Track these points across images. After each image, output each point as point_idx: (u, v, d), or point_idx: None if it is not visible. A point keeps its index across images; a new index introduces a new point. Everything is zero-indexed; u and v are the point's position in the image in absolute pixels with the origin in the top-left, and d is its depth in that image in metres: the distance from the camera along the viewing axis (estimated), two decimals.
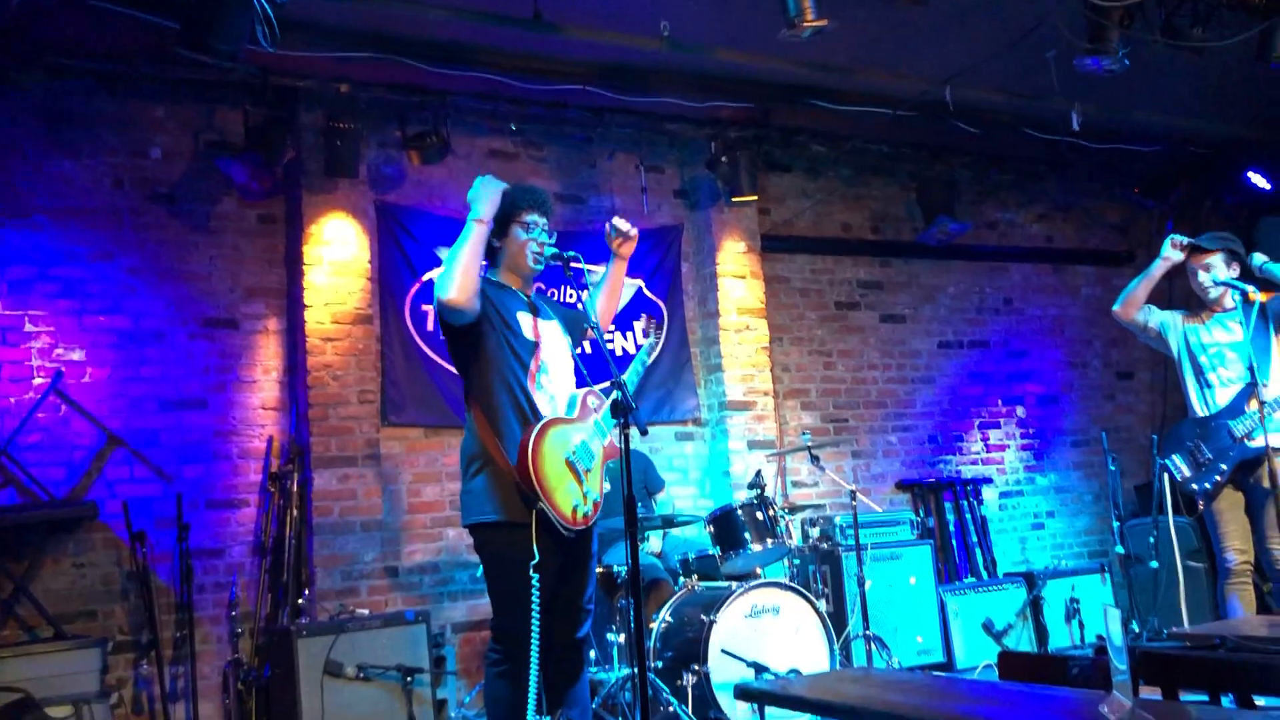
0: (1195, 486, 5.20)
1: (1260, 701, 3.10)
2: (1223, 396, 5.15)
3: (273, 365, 6.14)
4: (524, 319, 3.92)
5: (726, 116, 6.94)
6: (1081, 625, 7.01)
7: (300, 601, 5.74)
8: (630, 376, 4.41)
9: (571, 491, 3.78)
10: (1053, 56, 5.99)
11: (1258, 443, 4.92)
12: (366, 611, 5.60)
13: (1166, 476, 5.40)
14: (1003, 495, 8.23)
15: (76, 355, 5.68)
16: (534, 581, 3.60)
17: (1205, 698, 3.16)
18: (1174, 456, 5.32)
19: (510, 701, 3.66)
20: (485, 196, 3.84)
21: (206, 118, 6.07)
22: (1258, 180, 7.98)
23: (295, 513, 5.89)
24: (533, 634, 3.62)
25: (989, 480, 8.11)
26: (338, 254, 6.10)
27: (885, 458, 7.87)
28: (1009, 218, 8.67)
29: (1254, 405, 4.93)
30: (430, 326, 6.45)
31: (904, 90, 6.77)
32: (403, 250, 6.42)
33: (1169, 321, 5.40)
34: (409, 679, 5.30)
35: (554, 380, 3.96)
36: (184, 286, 5.96)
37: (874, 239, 8.10)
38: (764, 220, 7.57)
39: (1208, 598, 7.22)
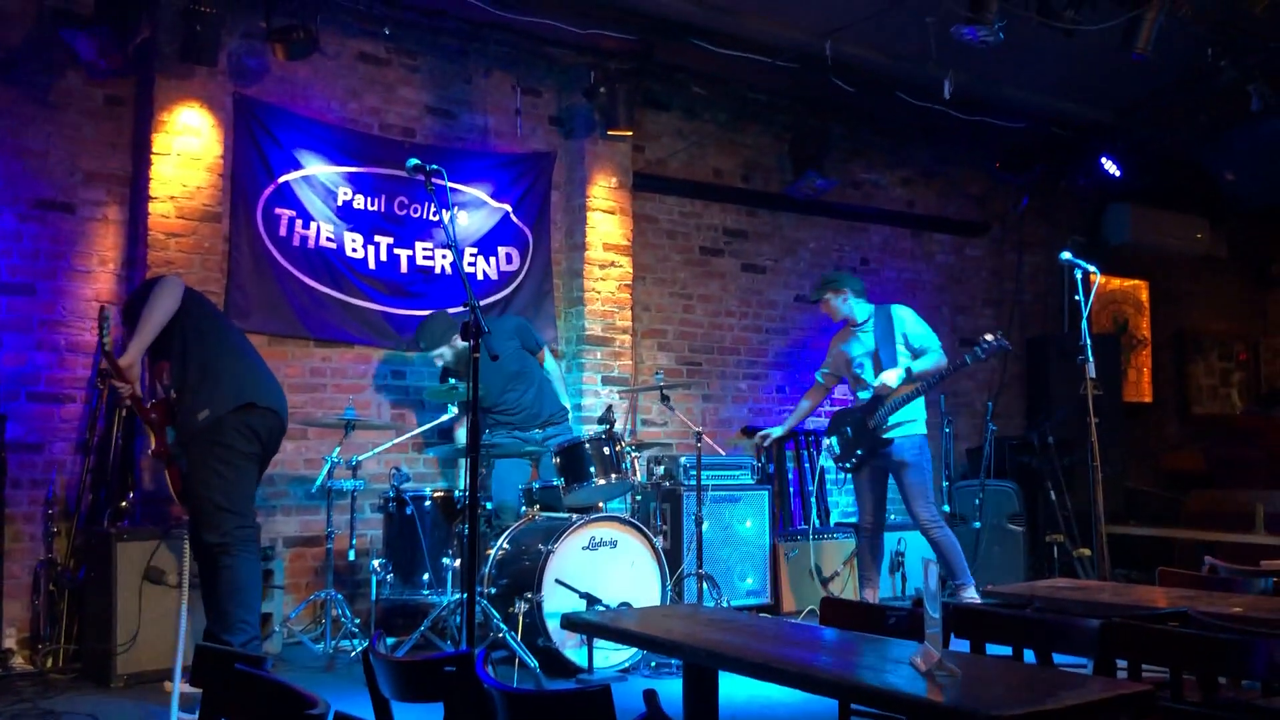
0: (841, 464, 6.37)
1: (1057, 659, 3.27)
2: (865, 394, 6.26)
3: (110, 256, 5.81)
4: None
5: (608, 47, 6.82)
6: (904, 577, 7.32)
7: (123, 505, 5.50)
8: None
9: None
10: (933, 22, 6.07)
11: (885, 434, 6.11)
12: None
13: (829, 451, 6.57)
14: None
15: None
16: None
17: (1010, 652, 3.32)
18: (832, 439, 6.45)
19: None
20: None
21: None
22: (1109, 166, 8.30)
23: (124, 412, 5.62)
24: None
25: None
26: (189, 145, 5.79)
27: (734, 403, 7.99)
28: (874, 179, 8.83)
29: (886, 401, 6.10)
30: (283, 232, 6.21)
31: (786, 40, 6.78)
32: (260, 149, 6.14)
33: (829, 363, 6.60)
34: None
35: None
36: (16, 163, 5.57)
37: (744, 187, 8.13)
38: (637, 157, 7.51)
39: (1024, 559, 7.63)
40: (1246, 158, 7.32)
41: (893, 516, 7.86)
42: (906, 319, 6.27)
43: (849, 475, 6.45)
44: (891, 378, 6.04)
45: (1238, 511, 7.90)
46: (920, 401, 6.18)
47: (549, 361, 6.41)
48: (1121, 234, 9.48)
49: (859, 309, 6.36)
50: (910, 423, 6.16)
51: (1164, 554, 7.54)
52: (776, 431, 6.72)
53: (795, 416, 6.77)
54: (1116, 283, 10.11)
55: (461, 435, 5.86)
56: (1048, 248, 9.28)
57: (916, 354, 6.14)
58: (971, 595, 6.06)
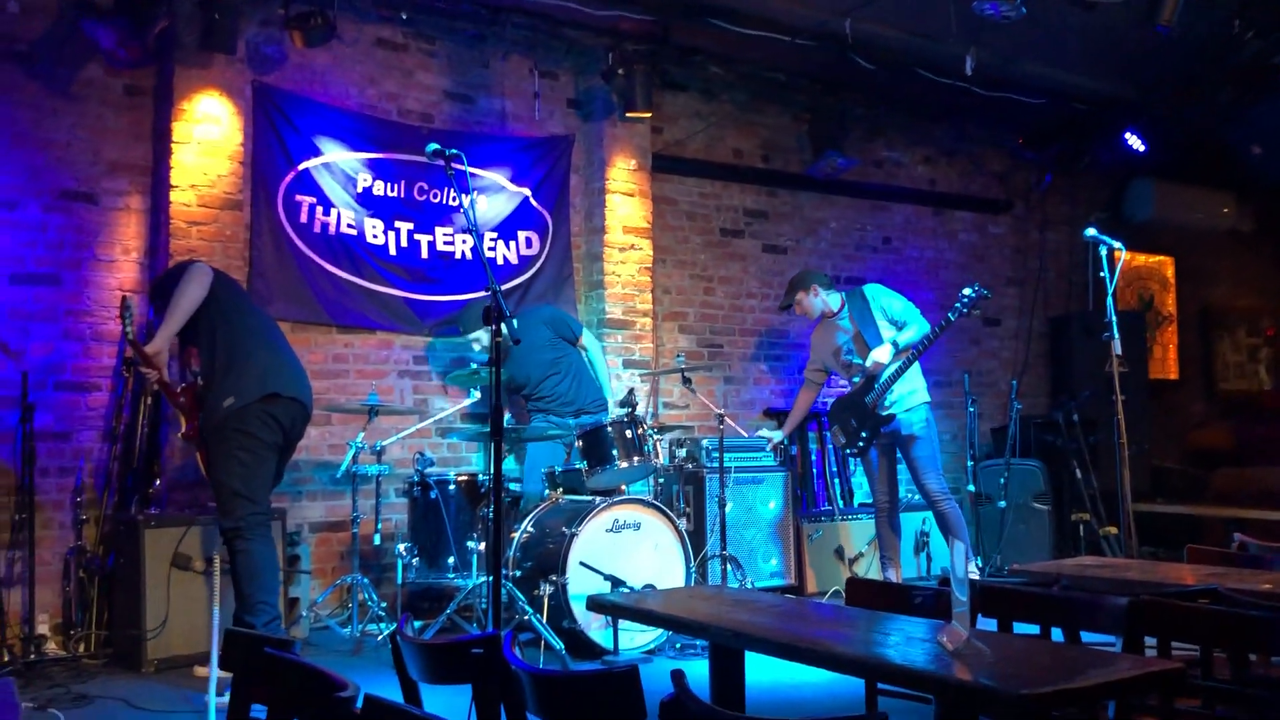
0: (849, 450, 6.35)
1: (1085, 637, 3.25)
2: (859, 378, 6.26)
3: (133, 245, 5.85)
4: None
5: (626, 28, 6.78)
6: (929, 558, 7.30)
7: (150, 491, 5.56)
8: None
9: None
10: None
11: (886, 410, 6.11)
12: None
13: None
14: None
15: None
16: None
17: (1037, 630, 3.31)
18: (835, 427, 6.43)
19: None
20: None
21: None
22: (1133, 141, 8.21)
23: (150, 400, 5.67)
24: None
25: None
26: (209, 134, 5.81)
27: (756, 385, 7.97)
28: (895, 157, 8.76)
29: (880, 379, 6.10)
30: (304, 219, 6.22)
31: (805, 18, 6.72)
32: (279, 136, 6.15)
33: (814, 360, 6.61)
34: None
35: None
36: (40, 154, 5.60)
37: (763, 167, 8.09)
38: (656, 139, 7.48)
39: (1050, 537, 7.59)
40: (1273, 131, 7.22)
41: (914, 497, 7.85)
42: (881, 295, 6.31)
43: (859, 460, 6.48)
44: (883, 354, 6.06)
45: (1266, 488, 7.84)
46: (916, 370, 6.17)
47: (592, 349, 6.48)
48: (1145, 210, 9.37)
49: (832, 299, 6.40)
50: (911, 393, 6.16)
51: (1191, 532, 7.49)
52: (777, 435, 6.63)
53: (794, 417, 6.71)
54: (1141, 259, 10.02)
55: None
56: (1070, 225, 9.20)
57: (899, 326, 6.17)
58: (971, 571, 6.09)
